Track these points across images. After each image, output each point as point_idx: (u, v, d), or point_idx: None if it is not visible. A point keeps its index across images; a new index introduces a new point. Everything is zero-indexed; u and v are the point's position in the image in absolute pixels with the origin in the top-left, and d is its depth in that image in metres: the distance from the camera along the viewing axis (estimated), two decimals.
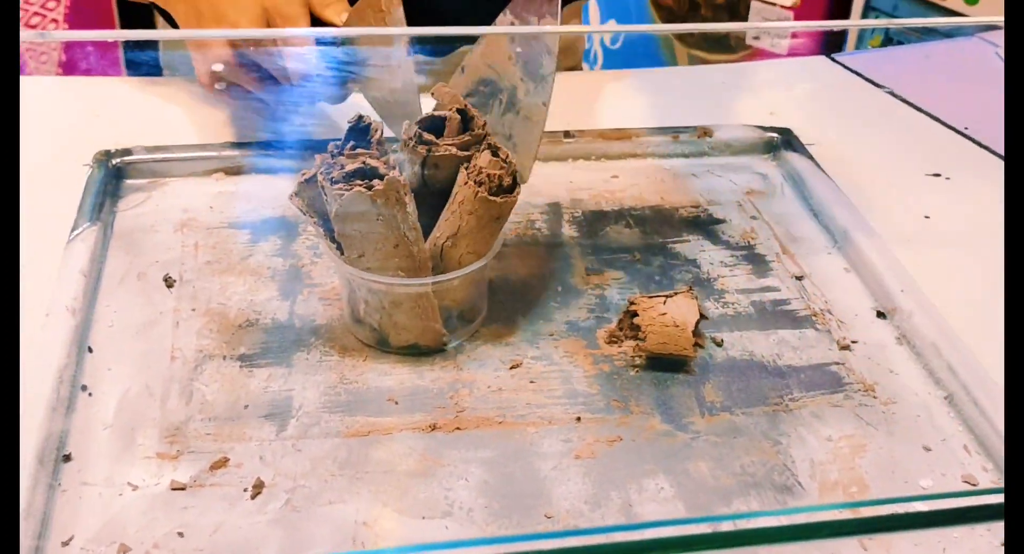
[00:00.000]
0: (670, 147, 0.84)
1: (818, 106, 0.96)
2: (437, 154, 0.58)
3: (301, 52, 0.74)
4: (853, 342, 0.63)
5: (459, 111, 0.60)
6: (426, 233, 0.58)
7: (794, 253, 0.72)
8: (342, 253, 0.57)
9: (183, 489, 0.51)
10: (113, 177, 0.75)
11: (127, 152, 0.77)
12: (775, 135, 0.85)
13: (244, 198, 0.75)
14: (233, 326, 0.62)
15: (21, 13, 2.10)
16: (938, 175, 0.83)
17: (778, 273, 0.70)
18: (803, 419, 0.57)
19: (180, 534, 0.48)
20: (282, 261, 0.68)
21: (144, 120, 0.84)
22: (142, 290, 0.65)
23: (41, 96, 0.88)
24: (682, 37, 2.18)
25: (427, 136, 0.58)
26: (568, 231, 0.73)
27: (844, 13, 2.02)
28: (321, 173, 0.55)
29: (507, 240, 0.71)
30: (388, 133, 0.61)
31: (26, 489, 0.48)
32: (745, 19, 2.16)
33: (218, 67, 0.73)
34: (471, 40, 0.68)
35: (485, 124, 0.59)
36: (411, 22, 0.70)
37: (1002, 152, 0.86)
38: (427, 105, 0.64)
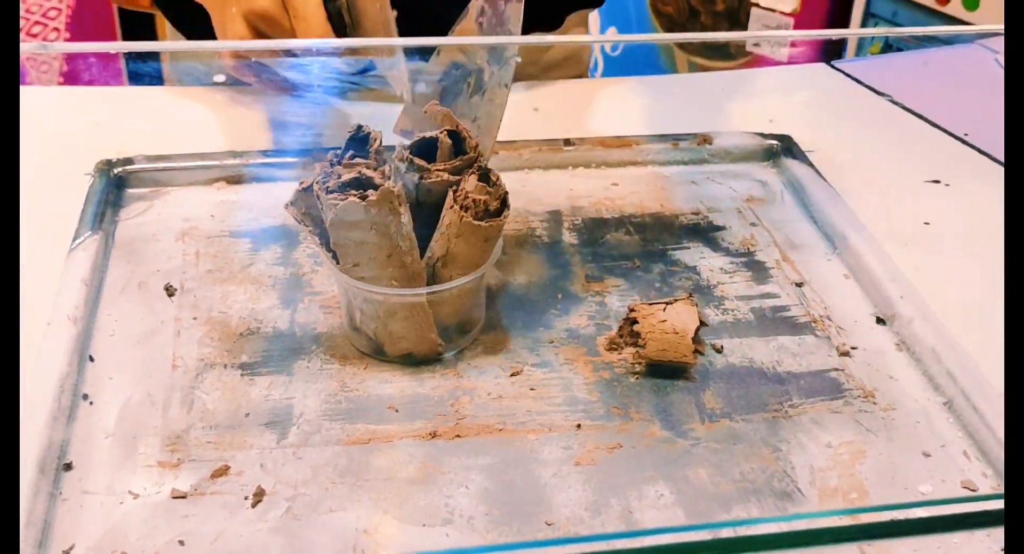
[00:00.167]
0: (670, 154, 0.84)
1: (818, 113, 0.96)
2: (428, 181, 0.58)
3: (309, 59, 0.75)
4: (853, 348, 0.63)
5: (451, 133, 0.60)
6: (422, 248, 0.58)
7: (794, 260, 0.72)
8: (338, 262, 0.57)
9: (184, 497, 0.51)
10: (114, 186, 0.76)
11: (128, 161, 0.77)
12: (775, 142, 0.85)
13: (245, 207, 0.75)
14: (234, 335, 0.62)
15: (22, 22, 2.11)
16: (938, 181, 0.83)
17: (778, 280, 0.70)
18: (803, 425, 0.57)
19: (181, 542, 0.48)
20: (283, 270, 0.68)
21: (145, 130, 0.85)
22: (143, 299, 0.65)
23: (43, 106, 0.89)
24: (682, 44, 2.18)
25: (418, 161, 0.58)
26: (568, 238, 0.74)
27: (844, 20, 2.02)
28: (317, 182, 0.56)
29: (507, 248, 0.72)
30: (392, 141, 0.62)
31: (27, 498, 0.48)
32: (745, 26, 2.17)
33: (219, 78, 0.74)
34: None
35: (477, 146, 0.59)
36: (407, 28, 0.70)
37: (1002, 158, 0.86)
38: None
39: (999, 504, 0.41)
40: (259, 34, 0.74)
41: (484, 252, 0.58)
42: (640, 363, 0.61)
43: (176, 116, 0.88)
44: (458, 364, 0.61)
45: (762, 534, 0.41)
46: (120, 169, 0.77)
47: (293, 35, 0.72)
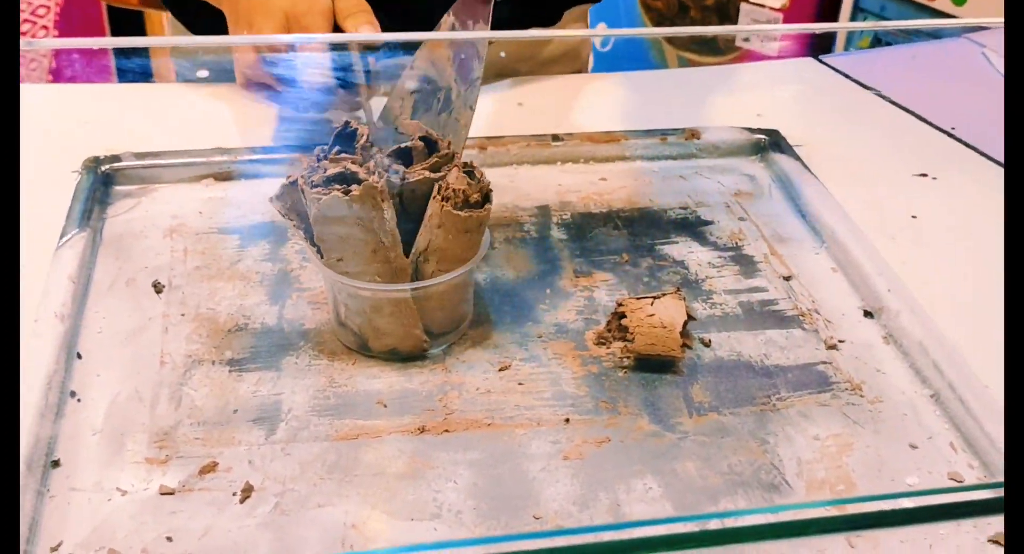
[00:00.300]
0: (658, 149, 0.84)
1: (806, 107, 0.96)
2: (411, 180, 0.58)
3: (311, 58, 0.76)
4: (840, 341, 0.64)
5: (422, 138, 0.61)
6: (409, 245, 0.58)
7: (782, 254, 0.72)
8: (322, 257, 0.57)
9: (172, 494, 0.51)
10: (102, 183, 0.75)
11: (116, 158, 0.77)
12: (763, 137, 0.85)
13: (233, 204, 0.75)
14: (222, 331, 0.62)
15: None
16: (925, 175, 0.83)
17: (766, 274, 0.70)
18: (790, 418, 0.58)
19: (169, 539, 0.48)
20: (271, 266, 0.68)
21: (133, 126, 0.84)
22: (131, 296, 0.65)
23: (31, 103, 0.88)
24: (672, 39, 2.18)
25: (397, 166, 0.59)
26: (557, 234, 0.74)
27: (833, 15, 2.03)
28: (303, 177, 0.56)
29: (496, 243, 0.72)
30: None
31: None
32: (735, 21, 2.17)
33: (203, 74, 0.74)
34: None
35: (450, 144, 0.60)
36: (394, 23, 0.71)
37: (988, 152, 0.86)
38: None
39: (985, 494, 0.41)
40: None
41: (466, 247, 0.58)
42: (628, 357, 0.61)
43: (164, 113, 0.88)
44: (446, 359, 0.61)
45: (749, 526, 0.41)
46: (108, 166, 0.77)
47: None
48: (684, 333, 0.61)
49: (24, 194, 0.70)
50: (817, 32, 1.15)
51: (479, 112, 0.66)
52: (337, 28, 0.76)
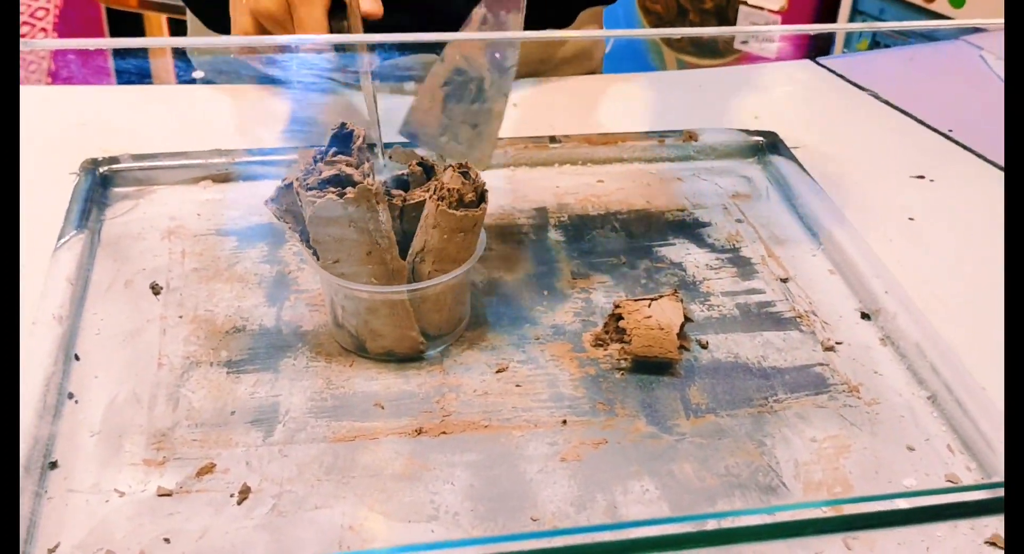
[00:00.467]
0: (656, 151, 0.84)
1: (803, 109, 0.96)
2: (411, 202, 0.59)
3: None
4: (837, 343, 0.64)
5: (419, 164, 0.62)
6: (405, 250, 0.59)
7: (779, 255, 0.72)
8: (318, 258, 0.58)
9: (169, 495, 0.51)
10: (100, 185, 0.75)
11: (114, 160, 0.77)
12: (760, 138, 0.86)
13: (231, 205, 0.75)
14: (220, 332, 0.62)
15: None
16: (922, 177, 0.83)
17: (763, 275, 0.70)
18: (788, 420, 0.58)
19: (166, 540, 0.49)
20: (269, 268, 0.68)
21: (131, 128, 0.85)
22: (129, 297, 0.65)
23: (29, 105, 0.88)
24: (670, 41, 2.18)
25: (396, 192, 0.60)
26: (554, 235, 0.74)
27: (832, 18, 2.03)
28: (298, 179, 0.56)
29: (493, 244, 0.72)
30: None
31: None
32: (733, 24, 2.17)
33: (198, 75, 0.74)
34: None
35: (446, 169, 0.60)
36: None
37: (986, 154, 0.86)
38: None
39: (982, 495, 0.41)
40: (263, 31, 0.74)
41: (462, 247, 0.58)
42: (626, 359, 0.61)
43: (162, 114, 0.88)
44: (444, 361, 0.61)
45: (746, 526, 0.41)
46: (105, 168, 0.77)
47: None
48: (681, 335, 0.61)
49: (22, 195, 0.70)
50: (815, 34, 1.15)
51: None
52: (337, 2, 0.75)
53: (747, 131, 0.86)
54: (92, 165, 0.76)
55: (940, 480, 0.54)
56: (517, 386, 0.59)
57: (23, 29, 2.12)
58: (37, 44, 0.67)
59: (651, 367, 0.61)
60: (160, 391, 0.58)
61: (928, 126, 0.92)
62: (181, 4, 1.01)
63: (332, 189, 0.55)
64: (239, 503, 0.51)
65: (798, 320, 0.66)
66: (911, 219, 0.77)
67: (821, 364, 0.62)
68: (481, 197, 0.58)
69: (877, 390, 0.60)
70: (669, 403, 0.58)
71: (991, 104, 0.94)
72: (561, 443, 0.55)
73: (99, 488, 0.51)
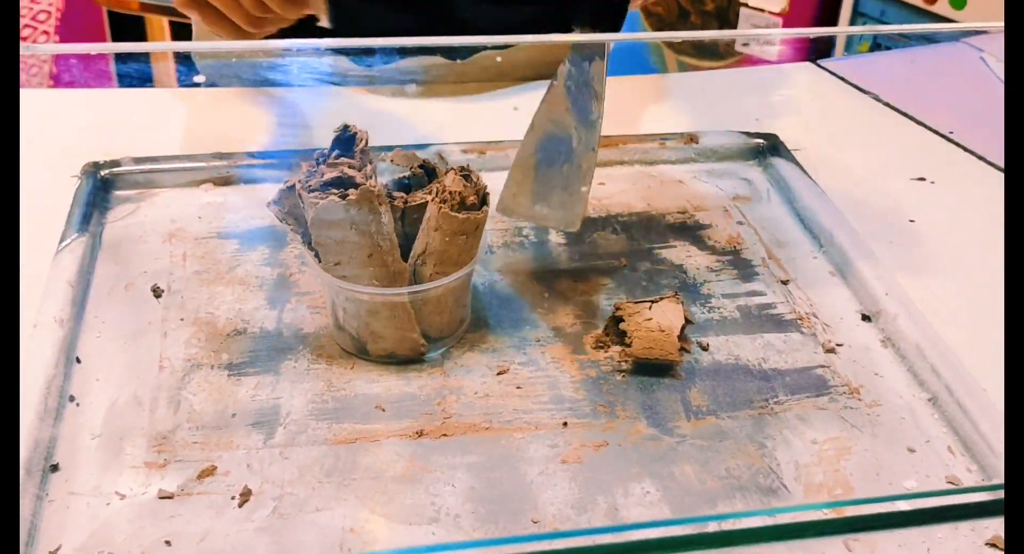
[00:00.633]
0: (657, 153, 0.84)
1: (804, 112, 0.96)
2: (413, 205, 0.59)
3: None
4: (838, 345, 0.64)
5: (421, 166, 0.62)
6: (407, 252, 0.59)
7: (780, 258, 0.72)
8: (320, 261, 0.58)
9: (171, 498, 0.51)
10: (101, 188, 0.76)
11: (115, 163, 0.77)
12: (761, 141, 0.86)
13: (232, 208, 0.75)
14: (221, 335, 0.62)
15: None
16: (923, 179, 0.83)
17: (764, 277, 0.70)
18: (788, 422, 0.58)
19: (167, 542, 0.49)
20: (270, 270, 0.68)
21: (132, 131, 0.85)
22: (130, 300, 0.65)
23: (31, 108, 0.88)
24: (671, 43, 2.18)
25: (398, 194, 0.60)
26: (555, 237, 0.74)
27: (833, 20, 2.03)
28: (300, 181, 0.56)
29: (494, 246, 0.72)
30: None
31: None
32: (735, 26, 2.17)
33: (199, 79, 0.74)
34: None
35: (448, 171, 0.60)
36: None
37: (986, 156, 0.86)
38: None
39: (983, 496, 0.41)
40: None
41: (464, 250, 0.58)
42: (626, 361, 0.61)
43: (163, 118, 0.88)
44: (445, 363, 0.61)
45: (747, 528, 0.41)
46: (107, 171, 0.77)
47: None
48: (682, 337, 0.61)
49: (24, 198, 0.70)
50: (811, 37, 1.15)
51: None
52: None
53: (748, 133, 0.86)
54: (93, 168, 0.77)
55: (941, 482, 0.54)
56: (518, 388, 0.59)
57: (25, 32, 2.12)
58: (38, 48, 0.67)
59: (652, 369, 0.61)
60: (161, 394, 0.58)
61: (929, 128, 0.92)
62: None
63: (334, 191, 0.55)
64: (240, 505, 0.51)
65: (799, 322, 0.66)
66: (912, 221, 0.77)
67: (822, 366, 0.62)
68: (483, 200, 0.59)
69: (878, 392, 0.60)
70: (670, 405, 0.58)
71: (992, 106, 0.94)
72: (562, 445, 0.55)
73: (100, 491, 0.51)
